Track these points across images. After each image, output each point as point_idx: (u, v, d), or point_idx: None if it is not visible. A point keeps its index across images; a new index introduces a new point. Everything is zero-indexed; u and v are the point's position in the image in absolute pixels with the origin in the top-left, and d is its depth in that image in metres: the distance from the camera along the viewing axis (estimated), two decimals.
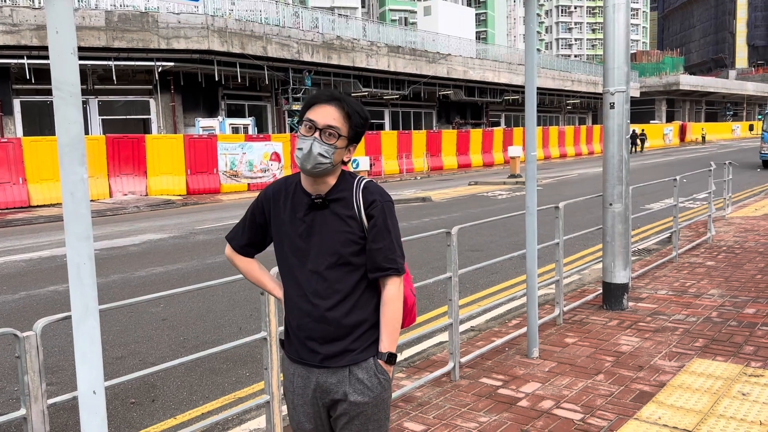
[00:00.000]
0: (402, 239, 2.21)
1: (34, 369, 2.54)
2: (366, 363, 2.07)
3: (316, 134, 2.00)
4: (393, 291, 2.09)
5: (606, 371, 4.50)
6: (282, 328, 2.26)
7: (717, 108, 74.23)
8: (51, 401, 2.63)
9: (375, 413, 2.09)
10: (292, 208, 2.10)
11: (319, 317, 2.04)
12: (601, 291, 6.22)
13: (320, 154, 1.99)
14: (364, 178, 2.13)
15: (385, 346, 2.09)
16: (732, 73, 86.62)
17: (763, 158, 24.43)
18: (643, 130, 43.32)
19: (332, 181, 2.08)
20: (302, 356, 2.10)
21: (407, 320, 2.22)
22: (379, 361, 2.08)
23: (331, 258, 2.04)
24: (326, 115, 2.01)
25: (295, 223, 2.08)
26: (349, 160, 2.12)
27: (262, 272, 2.30)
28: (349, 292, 2.06)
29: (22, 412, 2.55)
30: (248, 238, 2.23)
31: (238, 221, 2.29)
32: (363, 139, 27.21)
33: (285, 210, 2.11)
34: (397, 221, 2.15)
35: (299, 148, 2.01)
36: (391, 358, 2.09)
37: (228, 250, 2.29)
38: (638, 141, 41.38)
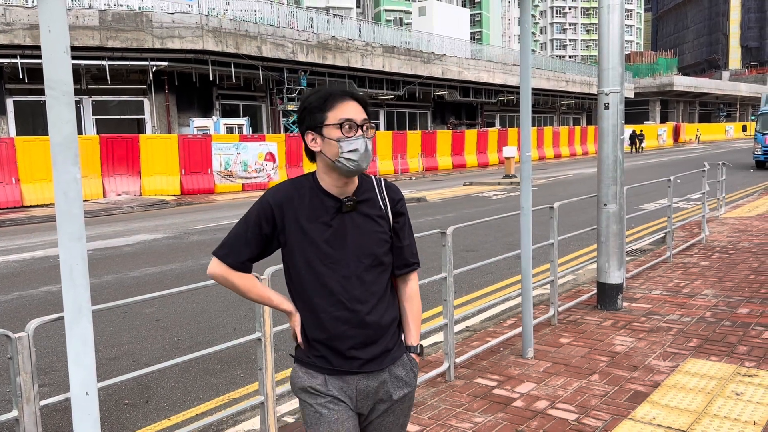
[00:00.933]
0: None
1: (27, 370, 2.52)
2: (401, 360, 2.09)
3: (359, 131, 1.95)
4: (416, 285, 2.15)
5: (600, 371, 4.51)
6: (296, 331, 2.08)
7: (710, 109, 74.55)
8: (43, 402, 2.61)
9: (410, 402, 2.14)
10: (313, 213, 1.97)
11: (359, 322, 1.98)
12: (595, 291, 6.23)
13: (371, 149, 1.97)
14: (380, 177, 2.13)
15: (415, 338, 2.13)
16: (725, 74, 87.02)
17: (756, 159, 24.56)
18: (641, 131, 43.85)
19: (356, 181, 2.03)
20: (337, 365, 2.00)
21: None
22: (412, 354, 2.12)
23: (367, 260, 1.99)
24: (356, 110, 1.96)
25: (320, 228, 1.97)
26: None
27: (265, 287, 2.13)
28: (382, 292, 2.04)
29: (14, 413, 2.53)
30: (249, 251, 2.02)
31: (228, 236, 2.04)
32: None
33: (303, 215, 1.98)
34: None
35: (352, 150, 1.92)
36: (421, 350, 2.16)
37: (221, 268, 2.03)
38: (636, 141, 41.95)
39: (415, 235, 2.21)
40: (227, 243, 2.04)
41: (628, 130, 43.21)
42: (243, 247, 2.02)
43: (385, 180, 2.12)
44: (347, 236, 1.98)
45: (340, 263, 1.97)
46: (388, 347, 2.05)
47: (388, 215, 2.05)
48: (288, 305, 2.09)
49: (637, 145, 42.14)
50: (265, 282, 3.28)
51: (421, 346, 2.17)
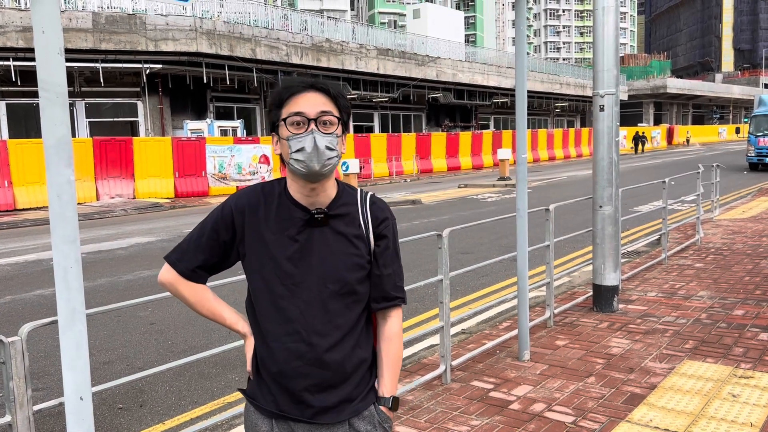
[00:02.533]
0: None
1: (20, 374, 2.50)
2: (367, 412, 1.76)
3: (312, 126, 1.65)
4: (396, 325, 1.82)
5: (597, 373, 4.50)
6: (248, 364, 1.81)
7: (704, 111, 74.92)
8: (37, 407, 2.58)
9: None
10: (279, 224, 1.71)
11: (314, 360, 1.68)
12: (591, 293, 6.23)
13: (327, 147, 1.64)
14: (367, 191, 1.83)
15: (389, 389, 1.79)
16: (718, 76, 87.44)
17: (749, 161, 24.67)
18: (643, 132, 44.83)
19: (332, 190, 1.74)
20: (284, 409, 1.71)
21: None
22: (382, 408, 1.79)
23: (334, 286, 1.69)
24: (312, 102, 1.66)
25: (284, 242, 1.69)
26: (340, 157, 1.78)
27: (218, 302, 1.85)
28: (350, 328, 1.73)
29: (8, 418, 2.51)
30: (203, 258, 1.77)
31: (183, 240, 1.83)
32: (353, 141, 26.76)
33: (267, 226, 1.71)
34: None
35: (297, 150, 1.64)
36: (395, 404, 1.80)
37: (170, 275, 1.80)
38: (640, 142, 42.95)
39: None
40: (180, 247, 1.81)
41: (624, 131, 43.58)
42: (196, 254, 1.78)
43: (372, 195, 1.81)
44: (313, 255, 1.69)
45: (301, 286, 1.69)
46: (351, 396, 1.73)
47: (367, 236, 1.75)
48: (243, 326, 1.82)
49: (641, 147, 42.96)
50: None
51: (395, 398, 1.80)
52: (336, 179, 1.80)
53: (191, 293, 1.81)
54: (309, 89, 1.68)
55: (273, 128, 1.74)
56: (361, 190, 1.82)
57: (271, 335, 1.72)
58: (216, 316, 1.85)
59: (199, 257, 1.78)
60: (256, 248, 1.72)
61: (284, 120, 1.68)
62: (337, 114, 1.69)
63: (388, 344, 1.81)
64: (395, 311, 1.82)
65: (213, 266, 1.80)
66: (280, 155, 1.74)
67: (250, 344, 1.80)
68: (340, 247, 1.72)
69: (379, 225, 1.77)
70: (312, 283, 1.69)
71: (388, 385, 1.79)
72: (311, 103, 1.66)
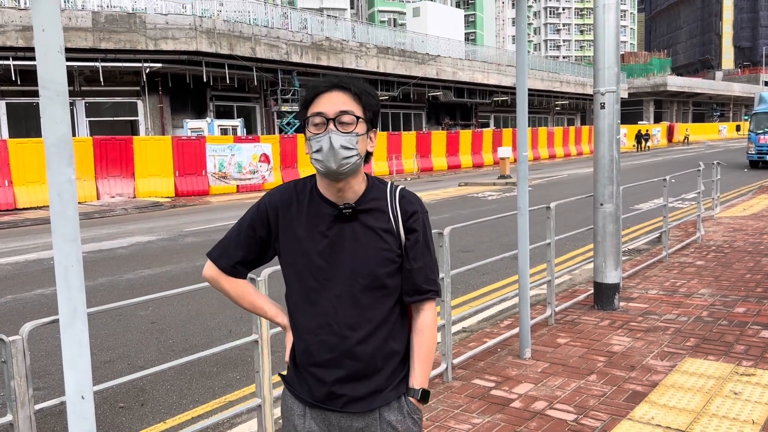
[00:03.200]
0: None
1: (21, 374, 2.50)
2: (397, 402, 1.79)
3: (330, 126, 1.68)
4: (429, 317, 1.82)
5: (598, 371, 4.50)
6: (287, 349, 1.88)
7: (704, 109, 74.85)
8: (38, 406, 2.58)
9: None
10: (310, 220, 1.76)
11: (346, 352, 1.73)
12: (592, 291, 6.22)
13: (343, 146, 1.66)
14: (397, 184, 1.83)
15: (419, 381, 1.81)
16: (718, 74, 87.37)
17: (750, 158, 24.66)
18: (647, 130, 45.05)
19: (359, 186, 1.77)
20: (317, 398, 1.77)
21: None
22: (411, 399, 1.81)
23: (364, 280, 1.73)
24: (335, 102, 1.69)
25: (315, 238, 1.74)
26: (371, 153, 1.81)
27: (259, 295, 1.94)
28: (382, 320, 1.76)
29: (9, 418, 2.50)
30: (242, 255, 1.84)
31: (223, 237, 1.90)
32: None
33: (299, 222, 1.77)
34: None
35: (316, 150, 1.68)
36: (425, 396, 1.82)
37: (212, 270, 1.88)
38: (642, 140, 43.05)
39: None
40: (221, 244, 1.88)
41: (624, 129, 43.61)
42: (236, 250, 1.84)
43: (402, 188, 1.83)
44: (344, 250, 1.73)
45: (332, 280, 1.73)
46: (381, 387, 1.77)
47: (397, 230, 1.77)
48: (282, 319, 1.89)
49: (643, 145, 43.12)
50: (261, 285, 3.26)
51: (425, 391, 1.82)
52: (366, 174, 1.82)
53: (233, 288, 1.89)
54: (332, 89, 1.71)
55: (302, 129, 1.78)
56: (392, 184, 1.84)
57: (304, 328, 1.78)
58: (257, 309, 1.93)
59: (239, 254, 1.85)
60: (289, 244, 1.78)
61: (306, 120, 1.72)
62: (358, 113, 1.71)
63: (420, 337, 1.82)
64: (428, 304, 1.83)
65: (252, 262, 1.87)
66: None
67: (289, 336, 1.86)
68: (370, 241, 1.74)
69: (409, 219, 1.79)
70: (343, 277, 1.73)
71: (418, 377, 1.81)
72: (332, 102, 1.69)
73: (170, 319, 6.51)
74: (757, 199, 14.33)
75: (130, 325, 6.37)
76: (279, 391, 3.63)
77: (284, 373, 1.92)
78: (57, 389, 4.65)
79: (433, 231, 4.57)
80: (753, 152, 24.43)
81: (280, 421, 3.92)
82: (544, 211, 5.66)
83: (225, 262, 1.86)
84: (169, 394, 4.69)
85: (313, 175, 1.83)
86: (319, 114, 1.69)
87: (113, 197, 18.66)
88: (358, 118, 1.71)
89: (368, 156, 1.79)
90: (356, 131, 1.70)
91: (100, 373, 5.00)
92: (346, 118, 1.69)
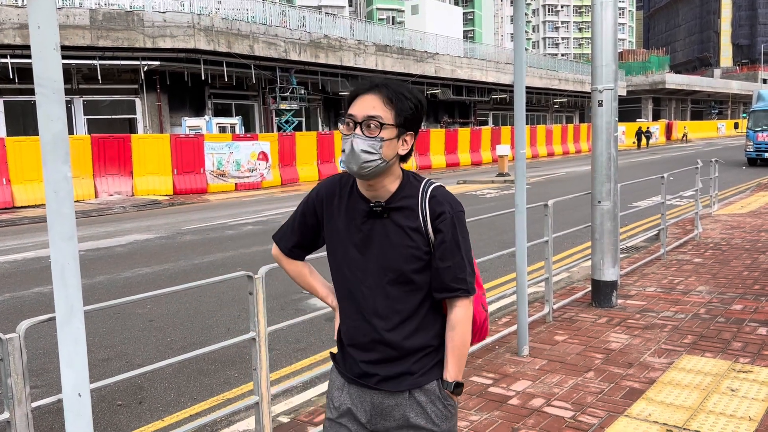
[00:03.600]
0: None
1: (18, 371, 2.50)
2: (429, 386, 1.87)
3: (356, 129, 1.76)
4: (461, 314, 1.87)
5: (596, 368, 4.51)
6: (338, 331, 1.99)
7: (702, 106, 74.87)
8: (35, 404, 2.58)
9: None
10: (348, 214, 1.86)
11: (378, 338, 1.85)
12: (590, 288, 6.23)
13: (364, 151, 1.73)
14: (432, 183, 1.87)
15: (452, 374, 1.88)
16: (717, 71, 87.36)
17: (748, 156, 24.66)
18: (648, 128, 45.12)
19: (392, 185, 1.84)
20: (355, 376, 1.92)
21: (477, 337, 2.04)
22: (445, 390, 1.90)
23: (392, 275, 1.82)
24: (365, 105, 1.76)
25: (352, 231, 1.85)
26: (408, 153, 1.85)
27: (314, 277, 2.07)
28: (411, 313, 1.84)
29: (6, 415, 2.51)
30: (297, 239, 2.00)
31: (286, 220, 2.05)
32: None
33: (340, 215, 1.88)
34: (468, 233, 1.92)
35: (342, 150, 1.79)
36: (457, 388, 1.89)
37: (275, 250, 2.06)
38: (643, 137, 43.23)
39: None
40: (281, 228, 2.05)
41: (622, 127, 43.62)
42: (291, 235, 2.01)
43: (434, 188, 1.86)
44: (374, 245, 1.83)
45: (365, 272, 1.85)
46: (411, 370, 1.86)
47: (425, 229, 1.82)
48: (332, 300, 2.03)
49: (644, 142, 43.26)
50: (258, 282, 3.27)
51: (458, 383, 1.89)
52: (404, 170, 1.89)
53: (291, 268, 2.07)
54: (370, 90, 1.78)
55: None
56: (426, 182, 1.87)
57: (344, 312, 1.93)
58: (312, 289, 2.09)
59: (293, 238, 2.01)
60: (331, 234, 1.91)
61: (341, 120, 1.82)
62: (387, 119, 1.76)
63: (452, 332, 1.89)
64: (459, 301, 1.87)
65: (307, 246, 2.02)
66: None
67: (337, 316, 2.00)
68: (398, 239, 1.82)
69: (436, 219, 1.83)
70: (374, 270, 1.84)
71: (451, 370, 1.89)
72: (364, 105, 1.77)
73: (168, 317, 6.51)
74: (755, 196, 14.35)
75: (128, 323, 6.37)
76: (276, 388, 3.64)
77: (334, 350, 2.05)
78: (54, 387, 4.65)
79: None
80: (751, 150, 24.44)
81: (278, 418, 3.94)
82: (542, 208, 5.67)
83: (284, 244, 2.03)
84: (167, 391, 4.69)
85: None
86: (350, 116, 1.78)
87: (111, 195, 18.64)
88: (383, 124, 1.76)
89: (405, 157, 1.85)
90: (381, 136, 1.75)
91: (97, 370, 5.00)
92: (370, 123, 1.75)
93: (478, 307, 2.00)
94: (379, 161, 1.75)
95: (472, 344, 1.98)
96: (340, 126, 1.81)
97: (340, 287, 1.92)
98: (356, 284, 1.86)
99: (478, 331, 2.04)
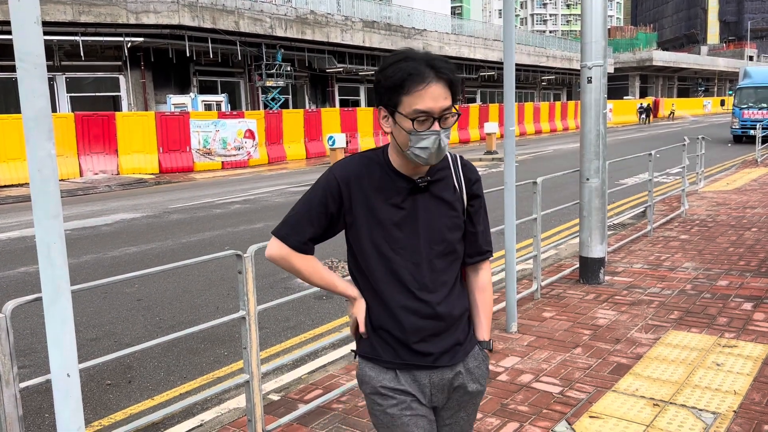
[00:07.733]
0: None
1: (5, 352, 2.47)
2: (474, 352, 1.95)
3: (436, 125, 1.71)
4: (488, 276, 2.00)
5: (584, 344, 4.55)
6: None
7: (689, 84, 75.04)
8: (23, 385, 2.56)
9: (480, 398, 2.01)
10: (383, 193, 1.81)
11: (430, 314, 1.83)
12: (577, 265, 6.27)
13: (446, 146, 1.75)
14: (456, 153, 1.92)
15: (488, 333, 1.99)
16: (704, 48, 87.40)
17: (734, 133, 24.79)
18: (648, 104, 45.62)
19: None
20: (406, 359, 1.86)
21: None
22: (485, 350, 1.99)
23: (439, 246, 1.84)
24: (437, 97, 1.70)
25: (389, 210, 1.81)
26: None
27: (328, 271, 1.96)
28: (453, 282, 1.89)
29: None
30: (313, 231, 1.86)
31: (289, 214, 1.89)
32: (339, 116, 26.35)
33: (371, 194, 1.81)
34: None
35: (422, 147, 1.71)
36: (491, 346, 2.02)
37: (282, 250, 1.87)
38: (645, 113, 43.97)
39: None
40: (289, 222, 1.88)
41: (610, 104, 43.59)
42: (306, 227, 1.85)
43: (461, 157, 1.93)
44: (419, 220, 1.82)
45: (408, 249, 1.82)
46: (460, 340, 1.91)
47: (462, 197, 1.88)
48: (353, 291, 1.92)
49: (651, 118, 44.03)
50: (247, 261, 3.25)
51: (492, 341, 2.03)
52: None
53: (305, 265, 1.90)
54: (432, 80, 1.69)
55: (385, 105, 1.76)
56: (451, 153, 1.90)
57: (387, 294, 1.84)
58: (329, 284, 1.95)
59: (309, 230, 1.86)
60: (364, 216, 1.83)
61: (406, 114, 1.71)
62: (454, 106, 1.76)
63: (482, 294, 1.98)
64: (485, 264, 1.99)
65: (320, 237, 1.90)
66: (391, 133, 1.78)
67: (360, 307, 1.90)
68: (441, 210, 1.84)
69: (473, 185, 1.92)
70: (419, 246, 1.82)
71: (486, 329, 1.99)
72: (435, 97, 1.70)
73: (157, 297, 6.48)
74: (741, 173, 14.46)
75: (116, 302, 6.34)
76: (266, 367, 3.64)
77: (354, 349, 1.98)
78: (43, 367, 4.63)
79: None
80: (737, 127, 24.57)
81: (269, 396, 3.94)
82: (530, 186, 5.67)
83: (296, 239, 1.86)
84: (156, 371, 4.69)
85: (379, 149, 1.87)
86: (424, 113, 1.70)
87: (96, 174, 18.44)
88: (454, 112, 1.75)
89: None
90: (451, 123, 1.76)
91: (86, 350, 4.98)
92: (447, 115, 1.73)
93: None
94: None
95: None
96: (413, 122, 1.70)
97: (378, 270, 1.84)
98: (400, 263, 1.82)
99: None
